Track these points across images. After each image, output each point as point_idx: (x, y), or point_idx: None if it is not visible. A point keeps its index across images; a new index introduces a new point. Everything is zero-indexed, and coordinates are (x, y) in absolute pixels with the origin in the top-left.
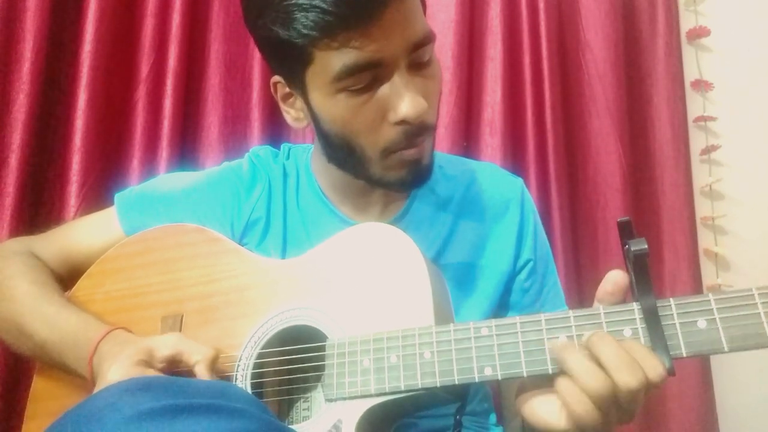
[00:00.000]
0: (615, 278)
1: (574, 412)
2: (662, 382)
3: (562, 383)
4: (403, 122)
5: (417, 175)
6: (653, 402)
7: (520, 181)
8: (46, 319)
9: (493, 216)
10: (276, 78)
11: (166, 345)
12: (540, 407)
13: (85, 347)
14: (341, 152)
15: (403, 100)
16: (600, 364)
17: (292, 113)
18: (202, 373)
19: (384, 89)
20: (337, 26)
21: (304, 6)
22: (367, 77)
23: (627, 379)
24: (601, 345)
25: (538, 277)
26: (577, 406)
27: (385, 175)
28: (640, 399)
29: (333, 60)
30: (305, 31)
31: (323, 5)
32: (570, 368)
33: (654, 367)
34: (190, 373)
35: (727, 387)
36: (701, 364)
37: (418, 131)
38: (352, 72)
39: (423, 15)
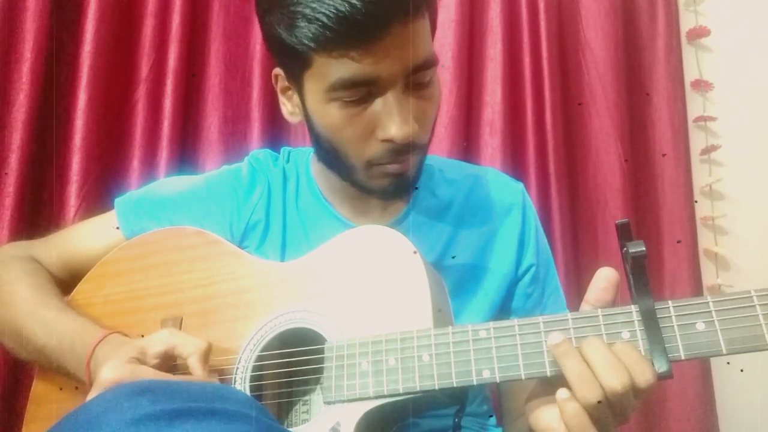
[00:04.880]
0: (607, 275)
1: (570, 423)
2: (650, 388)
3: (560, 394)
4: (389, 141)
5: (399, 187)
6: (653, 402)
7: (521, 185)
8: (44, 324)
9: (495, 220)
10: (277, 70)
11: (158, 341)
12: (542, 415)
13: (82, 352)
14: (329, 155)
15: (393, 120)
16: (590, 368)
17: (288, 107)
18: (195, 365)
19: (377, 105)
20: (336, 41)
21: (308, 16)
22: (361, 91)
23: (612, 383)
24: (589, 348)
25: (540, 282)
26: (573, 420)
27: (368, 183)
28: (631, 402)
29: (331, 69)
30: (305, 41)
31: (325, 20)
32: (567, 374)
33: (642, 373)
34: (185, 366)
35: (727, 387)
36: (701, 365)
37: (404, 149)
38: (346, 85)
39: (429, 38)
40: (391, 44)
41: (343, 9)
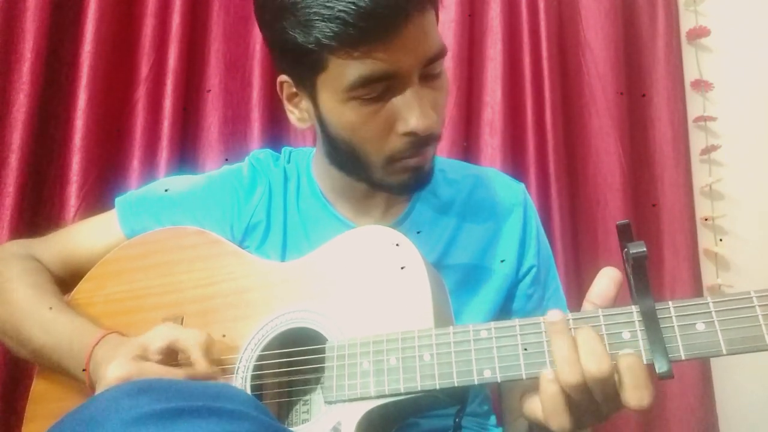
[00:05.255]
0: (610, 273)
1: (546, 403)
2: (646, 408)
3: (545, 374)
4: (411, 134)
5: (418, 180)
6: (653, 402)
7: (522, 186)
8: (42, 323)
9: (496, 220)
10: (283, 78)
11: (158, 337)
12: (530, 397)
13: (81, 353)
14: (344, 156)
15: (414, 112)
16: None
17: (297, 113)
18: (197, 357)
19: (395, 100)
20: (358, 38)
21: (326, 16)
22: (380, 87)
23: (590, 367)
24: (583, 335)
25: (541, 283)
26: (549, 399)
27: (387, 180)
28: (610, 404)
29: (349, 69)
30: (325, 41)
31: (346, 17)
32: (554, 350)
33: (640, 398)
34: (187, 361)
35: (727, 387)
36: (701, 365)
37: (424, 142)
38: (366, 82)
39: (437, 29)
40: (409, 37)
41: (363, 4)
